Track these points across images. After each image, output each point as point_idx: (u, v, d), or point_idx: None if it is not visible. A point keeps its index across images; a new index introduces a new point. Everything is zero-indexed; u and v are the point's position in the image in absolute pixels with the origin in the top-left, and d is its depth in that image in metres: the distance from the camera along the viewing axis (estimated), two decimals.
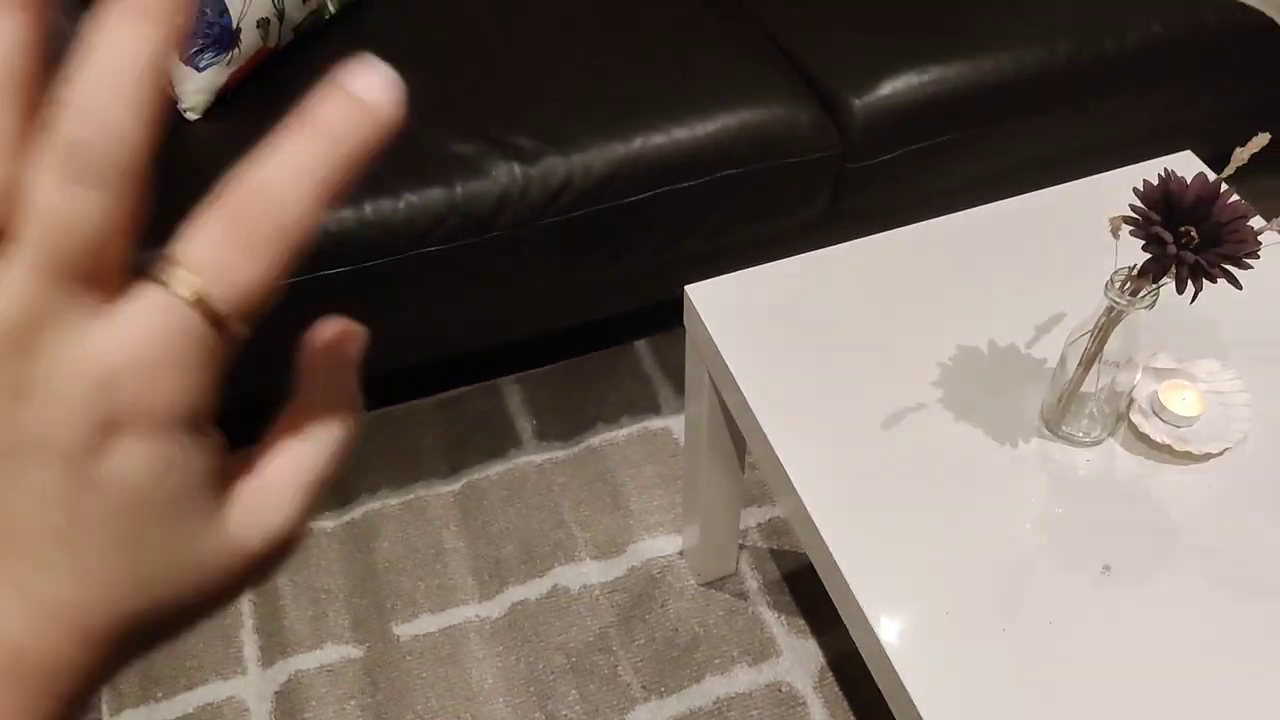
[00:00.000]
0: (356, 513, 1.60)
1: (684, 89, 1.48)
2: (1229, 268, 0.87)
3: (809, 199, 1.55)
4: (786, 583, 1.53)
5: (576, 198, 1.42)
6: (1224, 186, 0.89)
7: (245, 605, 1.51)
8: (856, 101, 1.51)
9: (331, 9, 1.65)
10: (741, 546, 1.56)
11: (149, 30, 0.22)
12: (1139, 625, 0.93)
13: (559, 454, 1.67)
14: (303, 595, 1.52)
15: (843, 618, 1.00)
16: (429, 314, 1.48)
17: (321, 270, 1.36)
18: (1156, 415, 1.06)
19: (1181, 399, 1.05)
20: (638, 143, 1.43)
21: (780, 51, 1.59)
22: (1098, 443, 1.06)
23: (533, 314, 1.58)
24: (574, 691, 1.43)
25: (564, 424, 1.71)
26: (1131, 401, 1.06)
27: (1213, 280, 0.87)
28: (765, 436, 1.07)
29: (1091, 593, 0.95)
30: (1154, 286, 0.93)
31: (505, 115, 1.45)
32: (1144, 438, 1.04)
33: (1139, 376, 1.02)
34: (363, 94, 0.23)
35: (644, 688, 1.43)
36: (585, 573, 1.54)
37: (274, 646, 1.47)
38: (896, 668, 0.91)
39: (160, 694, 1.43)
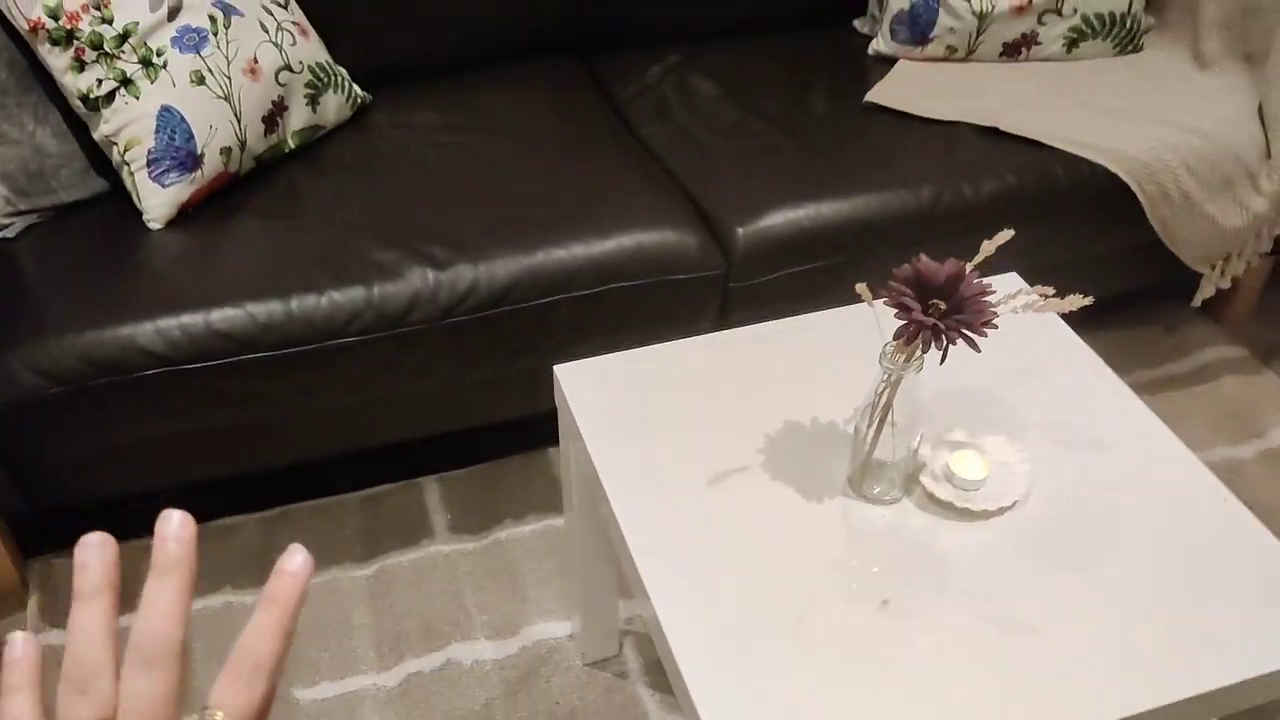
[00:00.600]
0: None
1: (587, 213, 1.69)
2: (967, 333, 1.04)
3: (698, 313, 1.73)
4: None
5: (481, 300, 1.60)
6: (969, 269, 1.06)
7: None
8: (740, 230, 1.71)
9: (291, 145, 1.88)
10: (627, 631, 1.67)
11: (176, 579, 0.42)
12: (909, 651, 1.05)
13: (468, 545, 1.80)
14: (213, 659, 1.63)
15: (660, 654, 1.12)
16: (346, 401, 1.65)
17: (248, 354, 1.54)
18: (947, 480, 1.20)
19: (968, 464, 1.19)
20: (539, 255, 1.62)
21: (678, 186, 1.80)
22: (895, 502, 1.20)
23: (443, 411, 1.74)
24: None
25: (476, 519, 1.85)
26: (924, 466, 1.21)
27: (953, 342, 1.03)
28: (608, 498, 1.21)
29: (869, 623, 1.08)
30: (919, 356, 1.09)
31: (426, 230, 1.65)
32: (933, 498, 1.18)
33: (919, 440, 1.17)
34: (289, 567, 0.44)
35: None
36: (479, 650, 1.65)
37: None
38: (693, 696, 1.03)
39: None
